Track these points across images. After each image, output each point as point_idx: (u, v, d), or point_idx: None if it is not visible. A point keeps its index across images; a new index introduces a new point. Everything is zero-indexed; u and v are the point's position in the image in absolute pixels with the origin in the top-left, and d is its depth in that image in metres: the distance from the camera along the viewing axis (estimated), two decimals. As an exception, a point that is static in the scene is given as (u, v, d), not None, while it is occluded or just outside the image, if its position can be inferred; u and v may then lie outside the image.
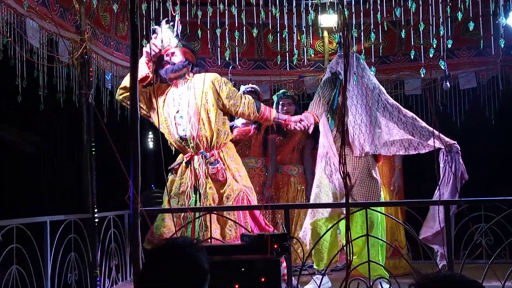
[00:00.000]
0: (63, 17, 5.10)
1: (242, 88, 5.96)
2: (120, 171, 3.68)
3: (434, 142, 4.66)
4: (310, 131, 4.89)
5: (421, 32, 4.70)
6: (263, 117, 4.91)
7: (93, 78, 5.45)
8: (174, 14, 4.55)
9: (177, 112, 4.87)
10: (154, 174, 7.18)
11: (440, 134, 4.67)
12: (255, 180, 5.74)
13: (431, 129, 4.78)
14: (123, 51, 6.23)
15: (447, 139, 4.80)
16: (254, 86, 6.06)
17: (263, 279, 3.35)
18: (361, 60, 4.99)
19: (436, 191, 4.68)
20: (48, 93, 5.00)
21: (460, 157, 4.80)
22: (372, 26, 5.47)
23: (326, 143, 4.94)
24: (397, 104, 5.09)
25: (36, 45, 4.65)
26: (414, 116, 5.02)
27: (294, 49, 5.95)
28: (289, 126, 4.89)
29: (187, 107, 4.80)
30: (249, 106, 4.83)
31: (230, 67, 6.26)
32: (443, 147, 4.75)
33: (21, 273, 4.21)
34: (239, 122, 5.95)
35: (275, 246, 3.45)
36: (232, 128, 5.90)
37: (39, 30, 4.71)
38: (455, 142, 4.83)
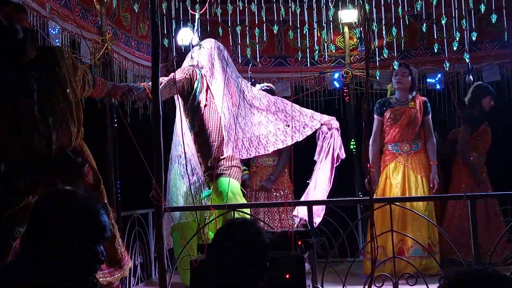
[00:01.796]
0: (84, 18, 5.14)
1: (258, 86, 5.93)
2: (144, 170, 3.70)
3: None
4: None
5: (443, 26, 4.65)
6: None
7: (115, 78, 5.48)
8: (194, 13, 4.56)
9: None
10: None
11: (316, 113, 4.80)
12: (278, 179, 5.72)
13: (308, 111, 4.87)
14: (144, 51, 6.27)
15: (326, 117, 4.88)
16: (269, 84, 6.03)
17: (287, 276, 3.35)
18: (224, 53, 4.86)
19: (315, 166, 4.87)
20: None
21: (339, 133, 4.89)
22: (393, 21, 5.44)
23: (183, 142, 4.67)
24: (264, 92, 5.04)
25: (58, 46, 4.69)
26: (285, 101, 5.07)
27: (315, 45, 5.93)
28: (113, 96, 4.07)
29: None
30: None
31: (250, 65, 6.26)
32: (324, 125, 4.83)
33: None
34: None
35: (299, 243, 3.45)
36: None
37: (61, 31, 4.75)
38: (334, 117, 4.95)
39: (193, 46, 5.12)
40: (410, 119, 5.40)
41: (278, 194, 5.66)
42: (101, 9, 5.24)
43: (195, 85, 4.77)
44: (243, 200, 4.62)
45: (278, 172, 5.75)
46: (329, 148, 4.89)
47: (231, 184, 4.59)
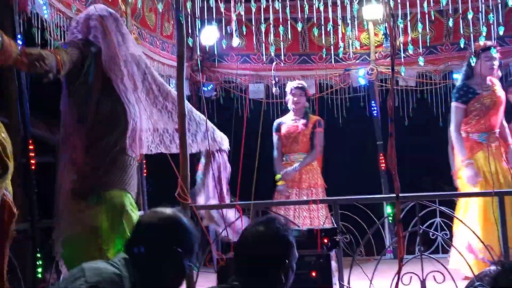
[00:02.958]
0: (110, 19, 5.18)
1: (290, 84, 5.93)
2: (170, 168, 3.73)
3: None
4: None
5: (470, 20, 4.58)
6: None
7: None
8: (221, 12, 4.57)
9: None
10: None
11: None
12: (309, 175, 5.72)
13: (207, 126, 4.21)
14: (169, 50, 6.31)
15: (218, 139, 4.44)
16: (301, 82, 6.03)
17: (313, 274, 3.34)
18: (123, 24, 3.74)
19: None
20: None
21: (227, 156, 4.52)
22: (418, 16, 5.38)
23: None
24: (168, 88, 4.04)
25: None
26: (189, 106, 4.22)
27: (339, 42, 5.89)
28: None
29: None
30: None
31: (274, 63, 6.26)
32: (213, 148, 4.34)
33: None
34: (287, 119, 5.93)
35: (325, 241, 3.44)
36: (280, 125, 5.90)
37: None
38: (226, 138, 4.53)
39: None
40: (499, 106, 5.07)
41: (309, 192, 5.66)
42: (126, 9, 5.29)
43: (87, 63, 3.46)
44: (136, 215, 3.48)
45: (304, 164, 5.74)
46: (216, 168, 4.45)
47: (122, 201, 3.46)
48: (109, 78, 3.47)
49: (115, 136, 3.47)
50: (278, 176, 5.74)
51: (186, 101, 4.03)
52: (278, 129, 5.90)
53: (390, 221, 6.46)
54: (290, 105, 5.86)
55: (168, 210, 2.14)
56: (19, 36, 4.00)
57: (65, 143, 3.52)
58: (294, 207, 5.52)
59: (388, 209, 6.20)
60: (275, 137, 5.91)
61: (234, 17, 4.57)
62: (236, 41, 5.02)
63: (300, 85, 5.85)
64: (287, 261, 2.27)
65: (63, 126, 3.53)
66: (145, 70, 3.76)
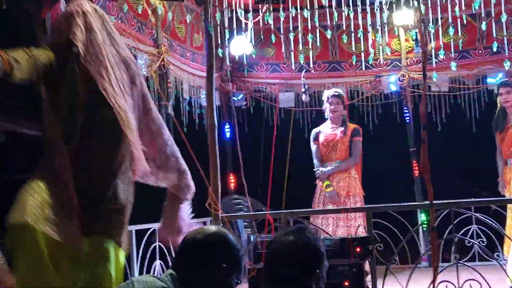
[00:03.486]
0: (140, 32, 5.26)
1: (327, 92, 5.89)
2: (200, 179, 3.74)
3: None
4: None
5: (503, 23, 4.50)
6: None
7: (172, 89, 5.58)
8: (246, 22, 4.59)
9: None
10: (235, 181, 7.26)
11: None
12: (346, 184, 5.70)
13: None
14: (198, 61, 6.35)
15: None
16: (338, 90, 5.98)
17: (346, 283, 3.30)
18: (110, 22, 3.08)
19: None
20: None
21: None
22: (450, 20, 5.31)
23: None
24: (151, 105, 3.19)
25: (116, 60, 4.80)
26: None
27: (369, 48, 5.85)
28: None
29: None
30: None
31: (304, 71, 6.24)
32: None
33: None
34: (325, 127, 5.89)
35: (358, 250, 3.40)
36: (318, 134, 5.87)
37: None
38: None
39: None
40: None
41: (347, 200, 5.62)
42: (157, 21, 5.35)
43: (69, 67, 2.82)
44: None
45: (337, 169, 5.72)
46: None
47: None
48: (95, 82, 2.81)
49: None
50: (326, 183, 5.69)
51: (166, 129, 3.21)
52: (316, 138, 5.86)
53: (425, 228, 6.37)
54: (328, 114, 5.82)
55: (213, 227, 2.18)
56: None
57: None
58: (332, 217, 5.49)
59: (422, 217, 6.11)
60: (313, 147, 5.88)
61: (250, 24, 4.57)
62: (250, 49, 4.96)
63: (336, 93, 5.80)
64: (317, 271, 2.25)
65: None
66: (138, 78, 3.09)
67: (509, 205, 4.83)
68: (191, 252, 2.06)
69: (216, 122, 4.01)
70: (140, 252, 4.83)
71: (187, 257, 2.05)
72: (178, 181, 3.21)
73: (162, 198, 3.29)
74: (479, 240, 5.85)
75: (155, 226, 4.98)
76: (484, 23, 4.77)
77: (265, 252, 2.40)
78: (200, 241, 2.07)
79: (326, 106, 5.81)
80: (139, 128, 3.02)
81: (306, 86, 6.21)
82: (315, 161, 5.86)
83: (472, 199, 5.06)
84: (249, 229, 6.46)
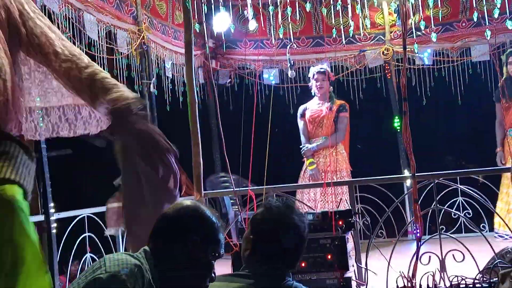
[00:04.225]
0: (119, 9, 5.19)
1: (313, 69, 5.85)
2: (184, 158, 3.71)
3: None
4: None
5: (484, -6, 4.47)
6: None
7: (153, 67, 5.52)
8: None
9: None
10: (219, 159, 7.23)
11: None
12: (333, 159, 5.68)
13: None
14: (181, 39, 6.28)
15: None
16: (323, 66, 5.94)
17: (329, 257, 3.31)
18: None
19: None
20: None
21: None
22: (431, -8, 5.25)
23: None
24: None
25: (95, 38, 4.75)
26: None
27: (351, 22, 5.80)
28: None
29: None
30: None
31: (288, 47, 6.19)
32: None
33: (95, 260, 4.35)
34: (312, 104, 5.86)
35: (340, 223, 3.40)
36: (304, 110, 5.85)
37: (97, 23, 4.80)
38: None
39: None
40: None
41: (334, 176, 5.61)
42: (136, -1, 5.27)
43: None
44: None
45: (322, 145, 5.71)
46: None
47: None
48: None
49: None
50: (309, 161, 5.69)
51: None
52: (303, 115, 5.86)
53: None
54: (314, 90, 5.81)
55: (187, 201, 2.13)
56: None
57: None
58: (320, 192, 5.50)
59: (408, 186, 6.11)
60: (300, 123, 5.87)
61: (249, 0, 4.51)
62: (253, 25, 4.95)
63: (322, 70, 5.78)
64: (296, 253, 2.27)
65: None
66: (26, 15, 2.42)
67: (505, 174, 4.81)
68: (164, 227, 2.03)
69: (197, 99, 3.98)
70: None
71: (160, 232, 2.02)
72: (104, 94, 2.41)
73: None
74: (464, 212, 5.88)
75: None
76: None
77: (249, 223, 2.38)
78: (173, 215, 2.04)
79: (312, 83, 5.79)
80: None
81: (292, 61, 6.17)
82: (302, 137, 5.86)
83: (455, 171, 5.07)
84: (236, 207, 6.46)
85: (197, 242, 1.99)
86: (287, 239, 2.27)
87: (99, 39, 4.80)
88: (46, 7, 4.16)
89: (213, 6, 4.37)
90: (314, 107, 5.84)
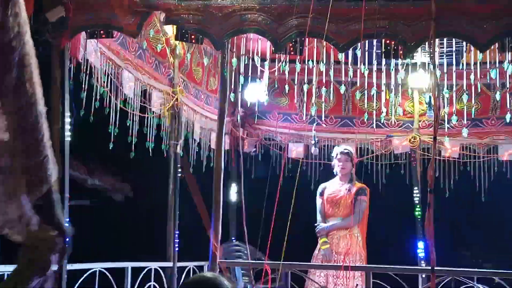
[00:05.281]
0: (157, 70, 5.32)
1: (337, 149, 5.87)
2: (202, 222, 3.71)
3: None
4: None
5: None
6: None
7: (182, 129, 5.59)
8: (262, 70, 4.64)
9: None
10: (235, 227, 7.18)
11: None
12: (343, 242, 5.61)
13: None
14: (212, 105, 6.38)
15: None
16: (347, 147, 5.95)
17: None
18: None
19: None
20: (138, 142, 5.16)
21: None
22: (464, 87, 5.32)
23: None
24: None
25: (130, 96, 4.85)
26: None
27: (382, 107, 5.86)
28: None
29: None
30: None
31: (315, 124, 6.25)
32: None
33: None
34: (332, 183, 5.84)
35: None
36: (324, 189, 5.81)
37: (134, 81, 4.91)
38: None
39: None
40: None
41: (347, 259, 5.51)
42: (174, 62, 5.41)
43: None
44: None
45: (335, 226, 5.64)
46: None
47: None
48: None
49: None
50: (323, 240, 5.62)
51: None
52: (322, 193, 5.83)
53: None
54: (336, 170, 5.80)
55: (209, 274, 2.13)
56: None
57: None
58: (331, 275, 5.39)
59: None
60: (318, 201, 5.83)
61: (266, 72, 4.60)
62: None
63: (346, 151, 5.79)
64: None
65: None
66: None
67: None
68: None
69: (222, 165, 4.00)
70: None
71: None
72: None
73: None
74: (479, 311, 5.70)
75: (151, 265, 4.92)
76: (498, 93, 4.76)
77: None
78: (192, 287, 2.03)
79: (335, 163, 5.80)
80: None
81: (316, 139, 6.20)
82: (318, 216, 5.81)
83: (475, 269, 4.96)
84: (247, 278, 6.35)
85: None
86: None
87: (134, 97, 4.90)
88: (88, 61, 4.27)
89: (249, 78, 4.46)
90: (333, 187, 5.82)
